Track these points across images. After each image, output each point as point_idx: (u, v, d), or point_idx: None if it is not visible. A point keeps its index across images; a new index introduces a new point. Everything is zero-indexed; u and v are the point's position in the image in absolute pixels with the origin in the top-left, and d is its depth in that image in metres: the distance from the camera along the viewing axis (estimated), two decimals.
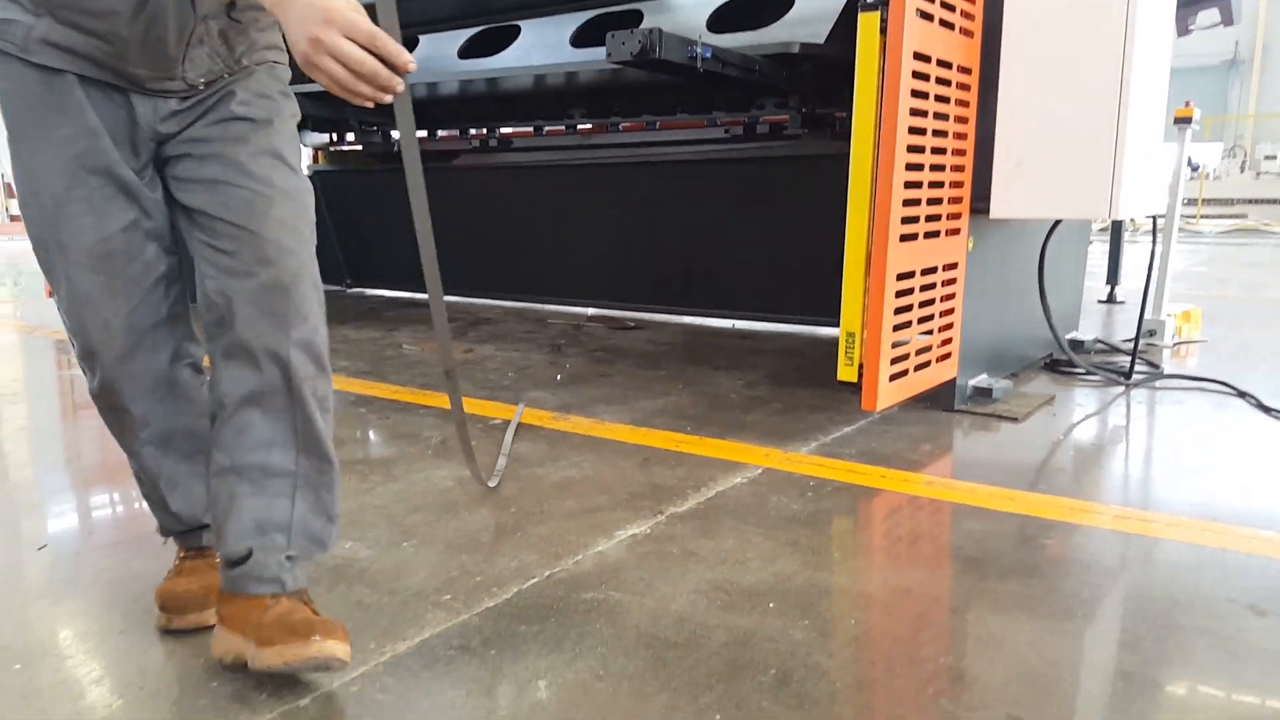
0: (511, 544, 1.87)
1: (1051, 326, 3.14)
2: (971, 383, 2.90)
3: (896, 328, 2.50)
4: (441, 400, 3.07)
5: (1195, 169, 4.21)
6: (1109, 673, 1.40)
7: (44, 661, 1.45)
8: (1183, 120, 3.97)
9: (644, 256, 4.71)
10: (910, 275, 2.52)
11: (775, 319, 4.47)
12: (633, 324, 4.67)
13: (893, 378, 2.53)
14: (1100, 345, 3.67)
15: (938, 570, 1.76)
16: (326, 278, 5.87)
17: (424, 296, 5.40)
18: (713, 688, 1.36)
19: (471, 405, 3.01)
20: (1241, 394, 2.98)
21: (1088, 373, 3.25)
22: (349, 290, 6.18)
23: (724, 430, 2.67)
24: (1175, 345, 3.79)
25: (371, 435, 2.69)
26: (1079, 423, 2.76)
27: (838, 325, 2.72)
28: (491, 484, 2.19)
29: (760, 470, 2.31)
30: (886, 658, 1.45)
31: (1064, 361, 3.31)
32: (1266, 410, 2.81)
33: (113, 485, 2.30)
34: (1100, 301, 5.07)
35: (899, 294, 2.47)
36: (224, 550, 1.37)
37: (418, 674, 1.40)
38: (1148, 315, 3.61)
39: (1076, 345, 3.61)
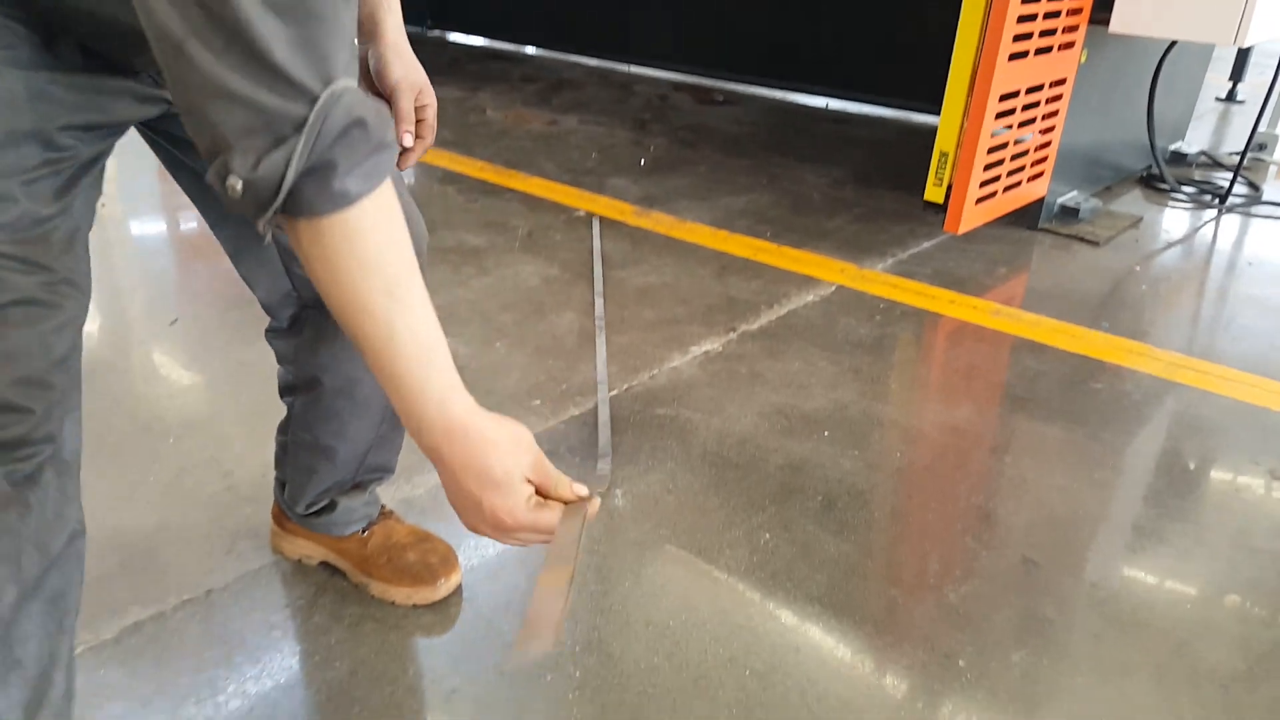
0: (593, 352, 2.04)
1: (1153, 149, 3.03)
2: (1060, 200, 2.86)
3: (992, 150, 2.47)
4: (527, 184, 3.16)
5: None
6: (1124, 525, 1.55)
7: (193, 437, 1.72)
8: None
9: (738, 22, 4.52)
10: (1014, 95, 2.44)
11: (872, 101, 4.33)
12: (721, 98, 4.57)
13: (980, 200, 2.53)
14: (1204, 158, 3.52)
15: (986, 408, 1.90)
16: (407, 18, 5.79)
17: (510, 48, 5.32)
18: (765, 509, 1.56)
19: (553, 191, 3.10)
20: None
21: (1173, 191, 3.16)
22: (429, 33, 6.07)
23: (803, 239, 2.73)
24: None
25: (462, 221, 2.82)
26: (1159, 251, 2.74)
27: (937, 114, 2.68)
28: (600, 490, 1.87)
29: (834, 288, 2.41)
30: (923, 492, 1.63)
31: (1160, 178, 3.21)
32: None
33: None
34: (1218, 99, 4.75)
35: (999, 115, 2.42)
36: (299, 508, 1.32)
37: None
38: (1262, 127, 3.43)
39: (1179, 158, 3.46)
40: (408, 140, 1.08)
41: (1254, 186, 3.24)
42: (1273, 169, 3.54)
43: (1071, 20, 2.51)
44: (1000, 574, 1.43)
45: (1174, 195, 3.17)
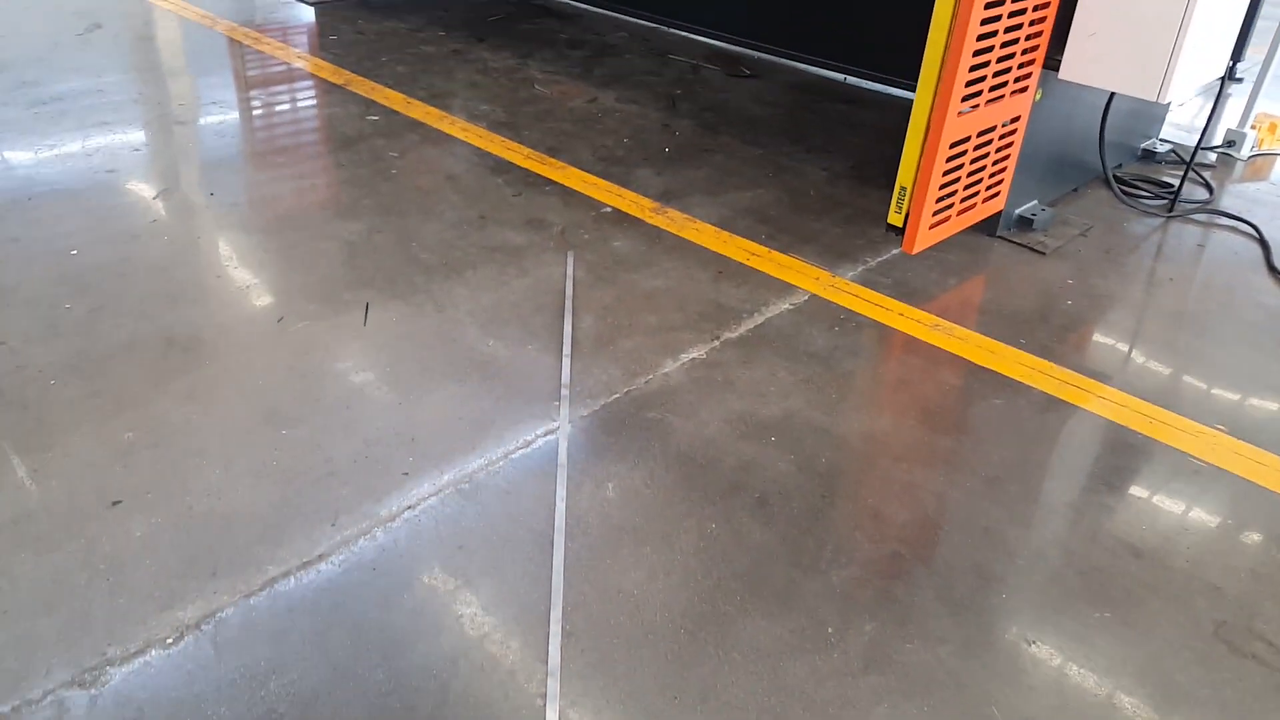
0: (605, 356, 2.62)
1: (1105, 170, 3.43)
2: (1017, 211, 3.31)
3: (944, 185, 2.93)
4: (565, 175, 3.68)
5: None
6: (975, 528, 2.13)
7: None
8: None
9: None
10: (965, 140, 2.88)
11: (886, 80, 4.68)
12: (749, 71, 4.95)
13: (933, 225, 3.01)
14: (1173, 156, 3.87)
15: (902, 420, 2.45)
16: None
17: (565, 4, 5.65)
18: (715, 504, 2.16)
19: (587, 184, 3.62)
20: (1263, 242, 3.31)
21: (1125, 200, 3.55)
22: None
23: (792, 241, 3.24)
24: (1251, 158, 3.93)
25: (508, 218, 3.37)
26: (1095, 263, 3.19)
27: None
28: None
29: (807, 297, 2.94)
30: (835, 492, 2.22)
31: (1125, 181, 3.60)
32: (1273, 271, 3.17)
33: None
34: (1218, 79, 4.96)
35: (951, 158, 2.87)
36: None
37: (532, 472, 2.24)
38: (1233, 124, 3.78)
39: (1149, 155, 3.83)
40: None
41: (1209, 186, 3.62)
42: (1240, 164, 3.89)
43: (1025, 70, 2.91)
44: (873, 562, 2.03)
45: (1129, 201, 3.57)
